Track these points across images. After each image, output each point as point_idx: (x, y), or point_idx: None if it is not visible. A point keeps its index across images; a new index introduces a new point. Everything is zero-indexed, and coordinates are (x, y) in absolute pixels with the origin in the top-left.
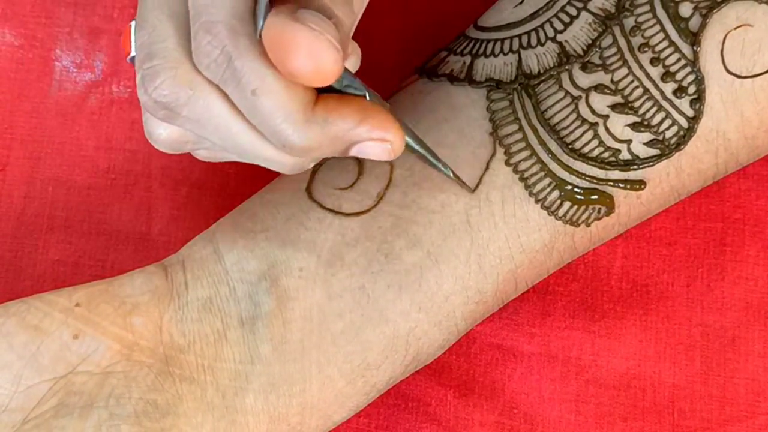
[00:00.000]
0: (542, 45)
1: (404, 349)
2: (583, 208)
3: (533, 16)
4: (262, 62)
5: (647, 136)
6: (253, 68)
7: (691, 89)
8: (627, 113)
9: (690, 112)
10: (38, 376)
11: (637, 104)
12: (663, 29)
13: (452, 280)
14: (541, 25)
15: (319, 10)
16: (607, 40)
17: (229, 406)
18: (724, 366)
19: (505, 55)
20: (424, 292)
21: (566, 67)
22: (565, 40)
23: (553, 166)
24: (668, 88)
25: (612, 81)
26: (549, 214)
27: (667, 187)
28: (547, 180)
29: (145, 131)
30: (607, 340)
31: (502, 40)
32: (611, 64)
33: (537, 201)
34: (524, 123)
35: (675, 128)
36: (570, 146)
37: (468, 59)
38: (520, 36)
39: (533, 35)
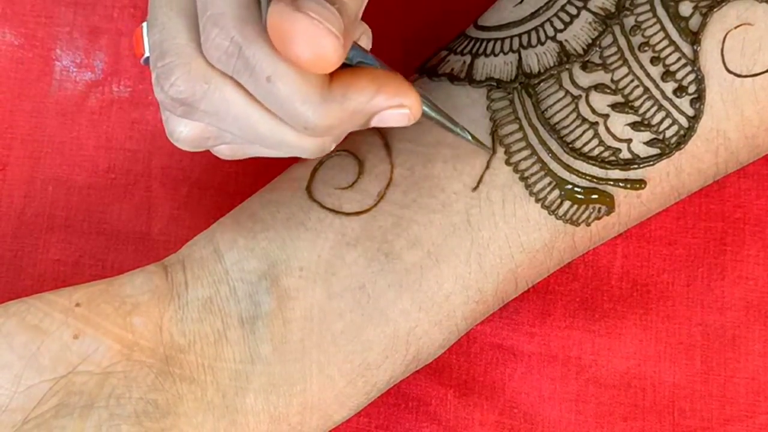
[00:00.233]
0: (542, 44)
1: (405, 348)
2: (583, 207)
3: (533, 15)
4: (271, 49)
5: (647, 136)
6: (264, 55)
7: (692, 88)
8: (627, 112)
9: (690, 112)
10: (38, 376)
11: (637, 103)
12: (663, 28)
13: (453, 280)
14: (542, 25)
15: None
16: (608, 40)
17: (230, 405)
18: (725, 365)
19: (505, 54)
20: (424, 291)
21: (566, 67)
22: (566, 40)
23: (554, 166)
24: (668, 87)
25: (612, 80)
26: (549, 214)
27: (668, 186)
28: (548, 179)
29: (166, 131)
30: (607, 340)
31: (503, 40)
32: (611, 64)
33: (537, 200)
34: (524, 122)
35: (675, 127)
36: (570, 145)
37: (468, 58)
38: (520, 35)
39: (533, 34)
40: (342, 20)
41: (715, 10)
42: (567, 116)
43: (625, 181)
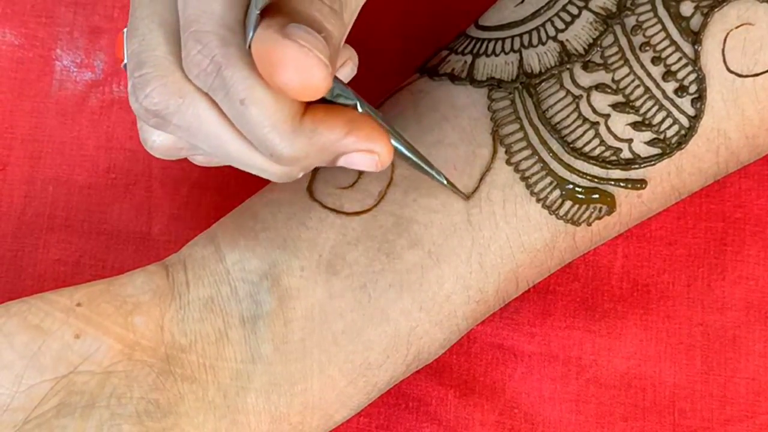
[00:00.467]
0: (543, 44)
1: (405, 348)
2: (584, 207)
3: (534, 15)
4: (250, 72)
5: (648, 135)
6: (241, 78)
7: (692, 88)
8: (628, 112)
9: (691, 111)
10: (39, 376)
11: (638, 103)
12: (664, 28)
13: (453, 280)
14: (543, 24)
15: (308, 24)
16: (609, 39)
17: (231, 405)
18: (725, 365)
19: (506, 54)
20: (425, 291)
21: (567, 66)
22: (567, 39)
23: (554, 166)
24: (669, 87)
25: (613, 80)
26: (550, 214)
27: (668, 186)
28: (548, 179)
29: (140, 138)
30: (607, 340)
31: (503, 39)
32: (612, 63)
33: (538, 200)
34: (525, 122)
35: (676, 127)
36: (571, 145)
37: (469, 58)
38: (521, 35)
39: (534, 34)
40: (329, 48)
41: (716, 10)
42: (568, 116)
43: (626, 180)
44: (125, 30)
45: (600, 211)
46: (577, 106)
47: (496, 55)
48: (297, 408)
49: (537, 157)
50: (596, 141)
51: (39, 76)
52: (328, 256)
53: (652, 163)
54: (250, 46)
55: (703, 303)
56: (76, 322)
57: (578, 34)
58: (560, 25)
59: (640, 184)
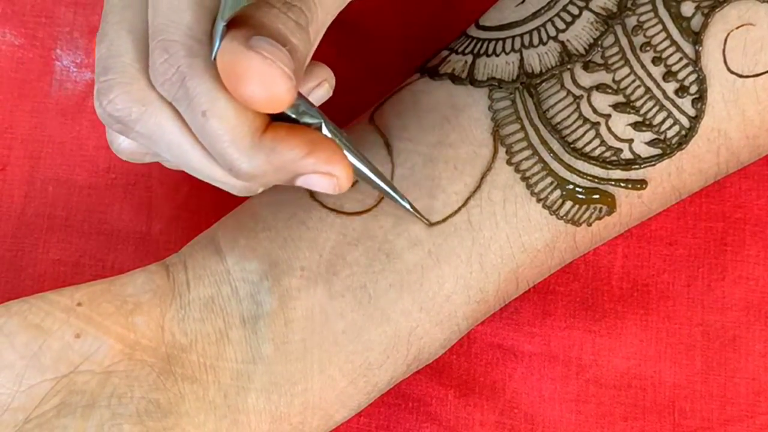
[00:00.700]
0: (544, 44)
1: (406, 348)
2: (584, 207)
3: (535, 15)
4: (214, 85)
5: (649, 136)
6: (205, 90)
7: (693, 88)
8: (629, 113)
9: (692, 112)
10: (40, 376)
11: (638, 104)
12: (665, 28)
13: (454, 280)
14: (543, 25)
15: (273, 37)
16: (609, 40)
17: (231, 405)
18: (725, 365)
19: (506, 54)
20: (425, 291)
21: (568, 67)
22: (567, 40)
23: (555, 166)
24: (670, 87)
25: (614, 80)
26: (550, 214)
27: (669, 186)
28: (549, 179)
29: (107, 140)
30: (607, 340)
31: (504, 40)
32: (613, 64)
33: (538, 200)
34: (526, 122)
35: (676, 128)
36: (572, 146)
37: (470, 58)
38: (521, 35)
39: (535, 34)
40: (293, 62)
41: (716, 10)
42: (568, 116)
43: (627, 181)
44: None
45: (600, 211)
46: (578, 107)
47: (497, 55)
48: (297, 408)
49: (537, 157)
50: (597, 141)
51: (39, 76)
52: (328, 256)
53: (653, 163)
54: (215, 58)
55: (703, 303)
56: (76, 321)
57: (579, 34)
58: (561, 25)
59: (640, 184)
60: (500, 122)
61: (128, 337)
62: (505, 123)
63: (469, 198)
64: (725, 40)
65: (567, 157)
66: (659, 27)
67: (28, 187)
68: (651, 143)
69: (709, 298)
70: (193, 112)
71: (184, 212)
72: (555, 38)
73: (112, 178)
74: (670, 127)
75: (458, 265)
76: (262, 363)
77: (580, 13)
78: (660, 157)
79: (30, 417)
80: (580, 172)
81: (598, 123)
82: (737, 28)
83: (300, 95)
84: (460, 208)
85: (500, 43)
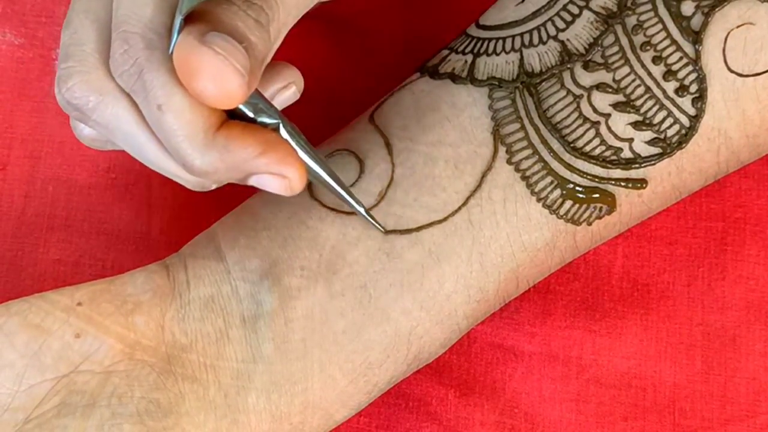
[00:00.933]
0: (544, 43)
1: (406, 348)
2: (584, 206)
3: (535, 14)
4: (170, 79)
5: (649, 135)
6: (161, 84)
7: (693, 88)
8: (629, 112)
9: (692, 111)
10: (40, 376)
11: (638, 103)
12: (665, 28)
13: (454, 279)
14: (543, 24)
15: (230, 34)
16: (609, 39)
17: (232, 405)
18: (725, 365)
19: (506, 53)
20: (425, 290)
21: (568, 66)
22: (567, 39)
23: (555, 165)
24: (670, 86)
25: (614, 80)
26: (550, 213)
27: (669, 185)
28: (549, 179)
29: (71, 126)
30: (607, 340)
31: (504, 39)
32: (613, 63)
33: (539, 200)
34: (526, 122)
35: (677, 127)
36: (572, 145)
37: (470, 58)
38: (521, 34)
39: (535, 34)
40: (249, 59)
41: (716, 9)
42: (569, 115)
43: (627, 180)
44: None
45: (600, 210)
46: (578, 106)
47: (497, 55)
48: (297, 407)
49: (537, 156)
50: (597, 140)
51: (39, 76)
52: (328, 256)
53: (653, 162)
54: (173, 52)
55: (703, 303)
56: (76, 321)
57: (579, 34)
58: (561, 24)
59: (640, 183)
60: (500, 121)
61: (128, 337)
62: (505, 122)
63: (469, 197)
64: (725, 40)
65: (567, 157)
66: (659, 26)
67: (28, 186)
68: (651, 142)
69: (710, 297)
70: (149, 105)
71: (184, 212)
72: (555, 37)
73: (112, 177)
74: (670, 126)
75: (458, 264)
76: (263, 362)
77: (580, 13)
78: (660, 156)
79: (30, 417)
80: (580, 171)
81: (598, 122)
82: (737, 27)
83: (259, 94)
84: (460, 208)
85: (500, 42)
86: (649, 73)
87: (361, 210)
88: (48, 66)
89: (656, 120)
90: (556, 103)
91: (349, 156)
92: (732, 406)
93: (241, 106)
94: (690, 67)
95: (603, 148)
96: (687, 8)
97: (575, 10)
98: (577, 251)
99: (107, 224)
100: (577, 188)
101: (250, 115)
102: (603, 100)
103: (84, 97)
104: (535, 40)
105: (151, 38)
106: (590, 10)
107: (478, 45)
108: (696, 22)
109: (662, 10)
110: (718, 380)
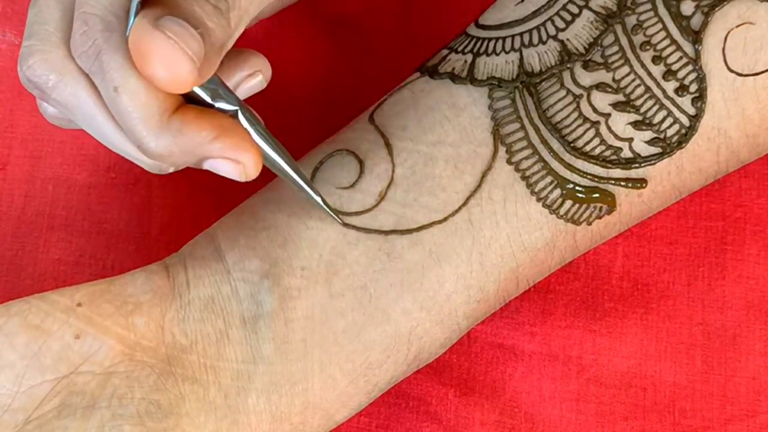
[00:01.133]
0: (544, 43)
1: (406, 348)
2: (584, 206)
3: (535, 14)
4: (127, 61)
5: (649, 135)
6: (117, 66)
7: (693, 87)
8: (629, 111)
9: (691, 110)
10: (40, 376)
11: (638, 102)
12: (665, 27)
13: (454, 279)
14: (543, 24)
15: (185, 18)
16: (609, 39)
17: (232, 405)
18: (725, 365)
19: (506, 53)
20: (426, 290)
21: (568, 66)
22: (567, 39)
23: (555, 165)
24: (670, 86)
25: (614, 79)
26: (550, 213)
27: (669, 185)
28: (549, 178)
29: (37, 103)
30: (608, 339)
31: (504, 39)
32: (613, 63)
33: (538, 199)
34: (526, 121)
35: (676, 126)
36: (572, 145)
37: (469, 58)
38: (521, 34)
39: (535, 33)
40: (203, 45)
41: (716, 9)
42: (568, 115)
43: (627, 180)
44: None
45: (600, 210)
46: (578, 106)
47: (497, 54)
48: (298, 408)
49: (537, 156)
50: (597, 140)
51: None
52: (328, 256)
53: (653, 162)
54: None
55: (703, 302)
56: (76, 322)
57: (579, 33)
58: (561, 24)
59: (640, 183)
60: (500, 121)
61: (128, 338)
62: (505, 122)
63: (469, 197)
64: (725, 39)
65: (567, 156)
66: (659, 26)
67: (28, 186)
68: (651, 142)
69: (710, 297)
70: (106, 86)
71: (184, 212)
72: (555, 37)
73: (112, 177)
74: (670, 126)
75: (459, 264)
76: (263, 363)
77: (580, 12)
78: (660, 156)
79: (30, 418)
80: (580, 171)
81: (598, 122)
82: (737, 27)
83: (219, 80)
84: (460, 207)
85: (500, 42)
86: (649, 73)
87: (318, 200)
88: None
89: (656, 120)
90: (556, 103)
91: (350, 156)
92: (732, 405)
93: (199, 91)
94: (690, 67)
95: (603, 147)
96: (687, 8)
97: (575, 10)
98: (577, 251)
99: (107, 224)
100: (577, 188)
101: (208, 100)
102: (603, 100)
103: (44, 75)
104: (535, 40)
105: (110, 20)
106: (590, 9)
107: (478, 45)
108: (696, 21)
109: (662, 10)
110: (718, 380)
